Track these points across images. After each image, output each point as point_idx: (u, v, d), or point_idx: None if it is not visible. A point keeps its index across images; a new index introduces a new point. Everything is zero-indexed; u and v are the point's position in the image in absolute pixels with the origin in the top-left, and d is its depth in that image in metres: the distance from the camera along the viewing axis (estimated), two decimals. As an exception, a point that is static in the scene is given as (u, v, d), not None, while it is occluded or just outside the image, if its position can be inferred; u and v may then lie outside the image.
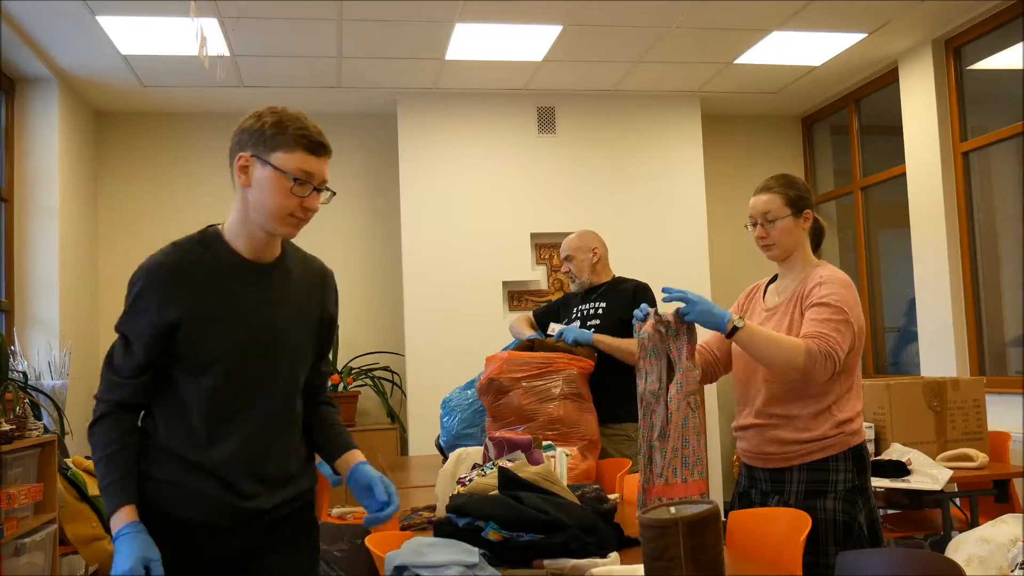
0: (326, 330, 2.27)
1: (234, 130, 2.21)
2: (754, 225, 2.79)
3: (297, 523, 2.18)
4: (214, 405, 2.03)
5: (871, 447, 4.39)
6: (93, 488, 4.62)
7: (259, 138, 2.19)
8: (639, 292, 4.06)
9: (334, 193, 2.13)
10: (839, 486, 2.60)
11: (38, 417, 4.83)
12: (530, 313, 4.53)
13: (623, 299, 4.02)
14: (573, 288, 4.29)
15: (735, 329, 2.50)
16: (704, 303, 2.51)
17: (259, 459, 2.07)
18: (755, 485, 2.78)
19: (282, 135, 2.17)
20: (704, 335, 2.76)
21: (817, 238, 2.88)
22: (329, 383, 2.54)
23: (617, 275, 4.25)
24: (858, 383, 2.72)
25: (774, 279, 2.90)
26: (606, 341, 3.90)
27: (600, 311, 4.10)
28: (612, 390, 3.83)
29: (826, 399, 2.62)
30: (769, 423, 2.68)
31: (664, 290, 2.54)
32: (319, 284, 2.25)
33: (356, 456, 2.22)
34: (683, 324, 2.52)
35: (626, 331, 3.86)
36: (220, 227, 2.15)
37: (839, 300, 2.62)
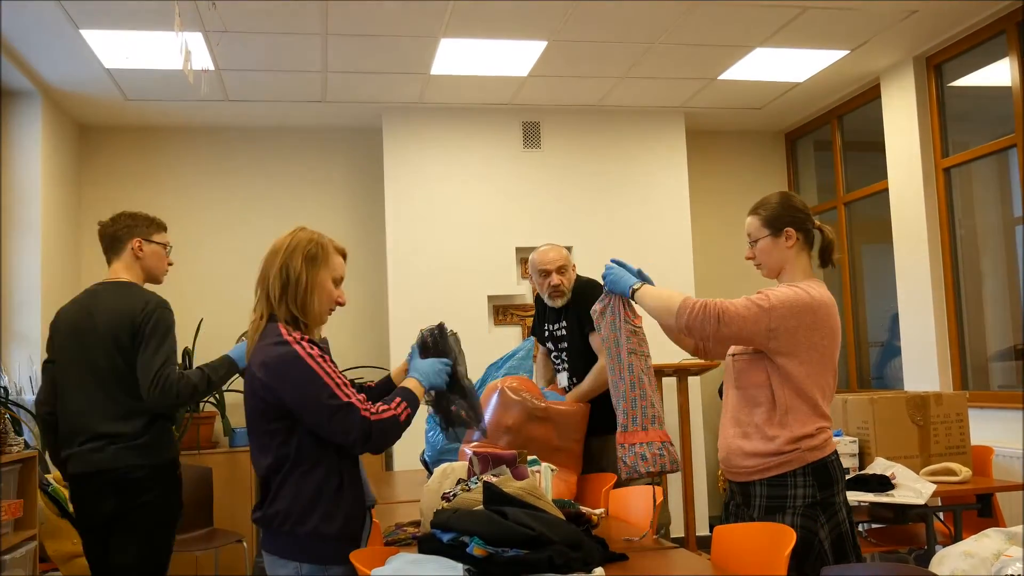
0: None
1: None
2: None
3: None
4: None
5: (855, 461, 4.41)
6: (74, 504, 4.58)
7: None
8: (589, 288, 3.94)
9: None
10: (797, 501, 2.64)
11: (19, 433, 4.79)
12: (542, 350, 4.32)
13: (576, 315, 3.95)
14: (559, 303, 4.05)
15: (634, 292, 2.85)
16: (614, 272, 2.94)
17: None
18: (733, 497, 2.87)
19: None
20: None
21: (823, 253, 2.88)
22: None
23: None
24: (822, 398, 2.72)
25: None
26: (579, 393, 3.85)
27: (564, 331, 4.05)
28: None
29: (777, 407, 2.68)
30: (735, 431, 2.78)
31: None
32: None
33: None
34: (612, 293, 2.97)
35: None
36: None
37: (773, 295, 2.66)
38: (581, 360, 3.94)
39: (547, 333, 4.17)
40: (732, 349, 2.85)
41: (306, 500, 2.39)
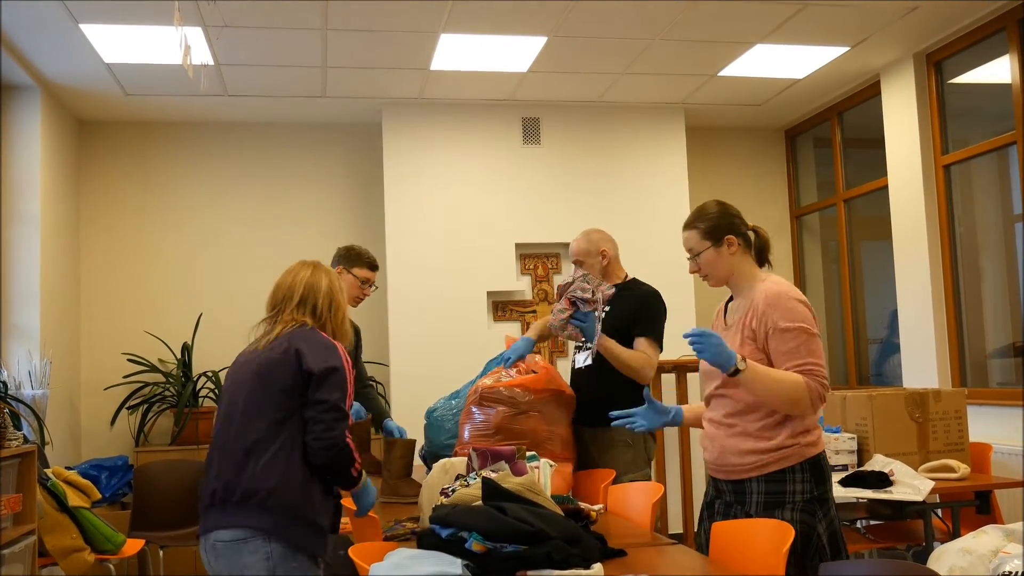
0: None
1: None
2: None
3: None
4: None
5: (853, 458, 4.41)
6: (73, 499, 4.58)
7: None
8: (649, 301, 3.90)
9: None
10: (796, 497, 2.66)
11: (18, 427, 4.79)
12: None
13: (628, 307, 3.86)
14: None
15: (737, 371, 2.61)
16: (715, 341, 2.61)
17: None
18: (720, 496, 2.85)
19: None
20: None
21: (760, 253, 2.90)
22: None
23: (631, 276, 4.08)
24: None
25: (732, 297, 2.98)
26: (616, 350, 3.72)
27: (606, 313, 3.83)
28: (596, 395, 3.80)
29: (776, 412, 2.69)
30: (728, 432, 2.76)
31: (685, 335, 2.65)
32: None
33: None
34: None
35: (624, 341, 3.78)
36: None
37: (793, 319, 2.67)
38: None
39: None
40: None
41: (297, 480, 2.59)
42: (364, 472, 2.78)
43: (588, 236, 4.07)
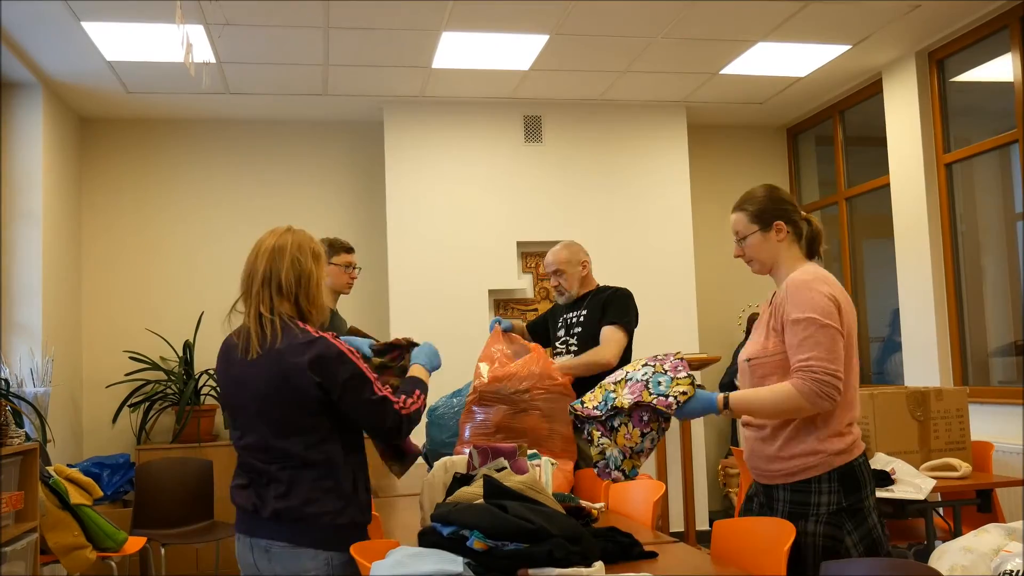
0: None
1: None
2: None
3: None
4: None
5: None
6: (75, 496, 4.59)
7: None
8: (615, 296, 4.18)
9: None
10: (821, 509, 2.54)
11: (20, 424, 4.80)
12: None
13: (599, 307, 4.16)
14: (561, 301, 4.38)
15: (725, 407, 2.61)
16: (688, 408, 2.61)
17: None
18: (757, 496, 2.78)
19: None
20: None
21: (811, 244, 2.80)
22: None
23: (600, 284, 4.34)
24: (849, 387, 2.60)
25: None
26: (571, 365, 3.98)
27: (583, 318, 4.21)
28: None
29: (809, 417, 2.57)
30: (757, 435, 2.70)
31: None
32: None
33: None
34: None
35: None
36: None
37: (807, 309, 2.54)
38: (590, 347, 4.11)
39: (560, 322, 4.34)
40: (749, 353, 2.73)
41: (343, 493, 2.53)
42: (424, 374, 2.81)
43: (569, 247, 4.33)
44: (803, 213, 2.81)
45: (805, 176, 7.54)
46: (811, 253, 2.80)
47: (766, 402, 2.57)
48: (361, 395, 2.50)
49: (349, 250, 4.38)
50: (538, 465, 3.11)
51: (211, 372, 6.34)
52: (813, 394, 2.48)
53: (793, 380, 2.52)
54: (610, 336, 4.05)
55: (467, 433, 3.68)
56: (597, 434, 2.74)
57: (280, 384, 2.48)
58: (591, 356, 4.01)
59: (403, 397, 2.60)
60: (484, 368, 3.81)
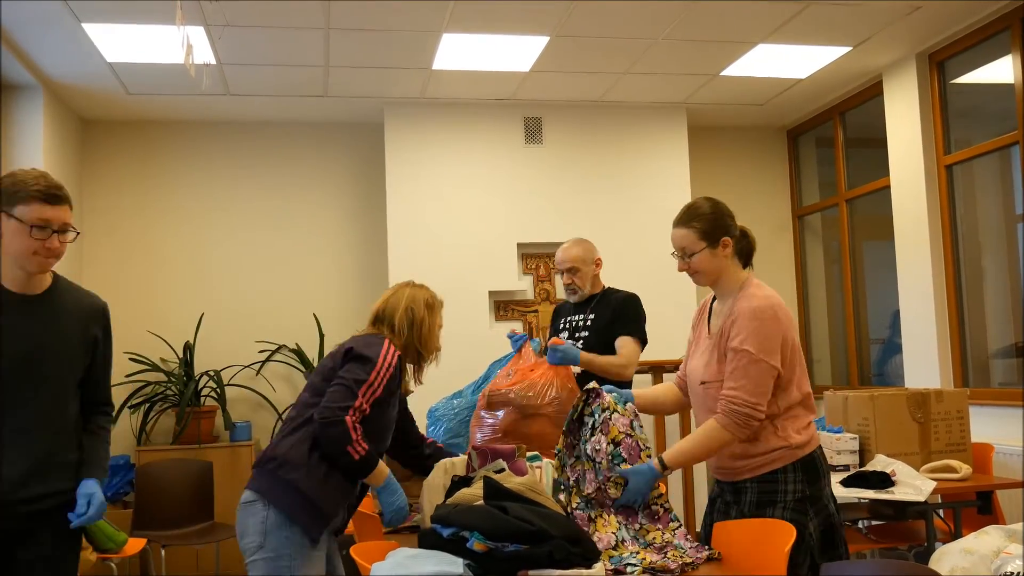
0: (92, 350, 2.74)
1: None
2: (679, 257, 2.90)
3: (58, 518, 2.59)
4: None
5: (855, 458, 4.41)
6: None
7: (2, 196, 2.55)
8: (627, 303, 4.07)
9: (78, 233, 2.69)
10: (788, 496, 2.70)
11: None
12: None
13: (607, 312, 4.06)
14: (572, 299, 4.21)
15: (664, 468, 2.75)
16: (631, 487, 2.73)
17: (24, 454, 2.54)
18: (721, 495, 2.90)
19: (21, 191, 2.54)
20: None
21: (746, 253, 2.92)
22: (105, 397, 2.89)
23: (606, 286, 4.24)
24: (805, 398, 2.79)
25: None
26: (596, 362, 3.86)
27: (590, 322, 4.10)
28: None
29: (770, 420, 2.72)
30: None
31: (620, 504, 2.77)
32: (87, 313, 2.75)
33: (88, 473, 2.67)
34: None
35: (607, 343, 3.96)
36: None
37: (745, 341, 2.69)
38: (595, 351, 3.97)
39: (563, 324, 4.24)
40: (702, 377, 2.84)
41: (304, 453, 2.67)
42: (385, 470, 2.77)
43: (582, 244, 4.22)
44: (740, 225, 2.92)
45: (805, 178, 7.54)
46: (745, 264, 2.93)
47: (698, 447, 2.77)
48: (350, 374, 2.72)
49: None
50: (539, 467, 3.11)
51: (211, 373, 6.34)
52: (733, 425, 2.67)
53: (716, 415, 2.70)
54: (629, 349, 3.96)
55: (478, 437, 3.67)
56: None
57: (336, 351, 2.94)
58: (613, 362, 3.90)
59: (364, 442, 2.67)
60: (499, 374, 3.80)
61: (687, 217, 2.86)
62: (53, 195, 2.59)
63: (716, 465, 2.86)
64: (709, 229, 2.82)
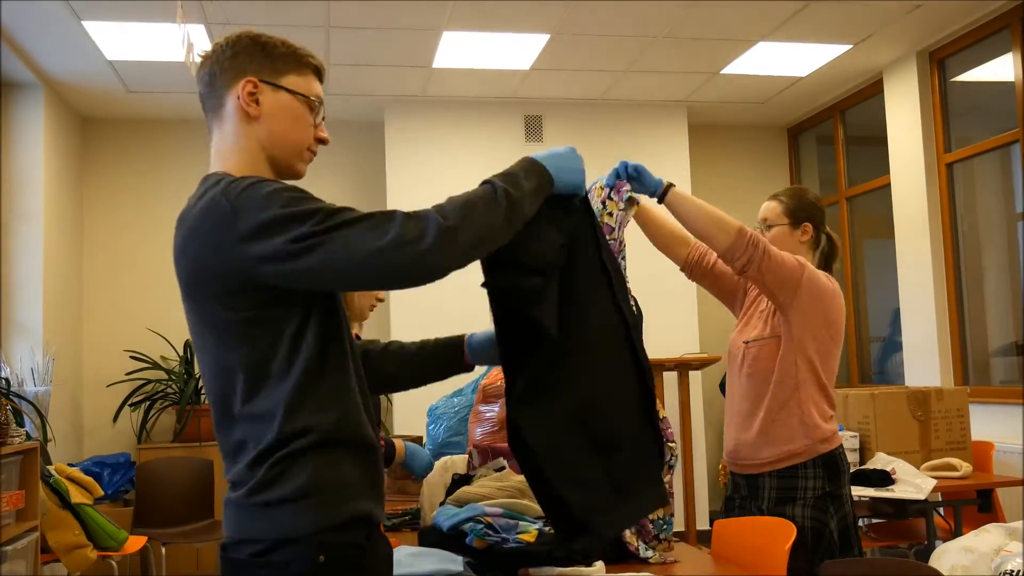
0: None
1: (211, 56, 1.76)
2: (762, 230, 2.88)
3: None
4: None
5: (855, 456, 4.41)
6: (76, 495, 4.59)
7: (264, 60, 1.74)
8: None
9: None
10: (808, 493, 2.65)
11: (20, 424, 4.80)
12: None
13: None
14: None
15: (667, 192, 2.61)
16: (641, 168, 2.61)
17: None
18: (738, 491, 2.84)
19: (292, 56, 1.76)
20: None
21: (827, 258, 2.91)
22: None
23: None
24: (830, 385, 2.76)
25: None
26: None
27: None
28: None
29: (793, 397, 2.67)
30: (742, 427, 2.76)
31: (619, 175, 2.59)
32: None
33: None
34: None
35: None
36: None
37: (812, 287, 2.68)
38: None
39: None
40: (746, 335, 2.80)
41: None
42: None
43: None
44: (827, 228, 2.91)
45: (806, 176, 7.53)
46: (826, 266, 2.90)
47: (706, 207, 2.61)
48: None
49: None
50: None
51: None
52: (749, 239, 2.54)
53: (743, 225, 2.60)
54: None
55: (477, 434, 3.67)
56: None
57: None
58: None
59: None
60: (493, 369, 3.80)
61: (782, 192, 2.91)
62: (322, 71, 1.80)
63: (733, 457, 2.80)
64: (795, 208, 2.84)
